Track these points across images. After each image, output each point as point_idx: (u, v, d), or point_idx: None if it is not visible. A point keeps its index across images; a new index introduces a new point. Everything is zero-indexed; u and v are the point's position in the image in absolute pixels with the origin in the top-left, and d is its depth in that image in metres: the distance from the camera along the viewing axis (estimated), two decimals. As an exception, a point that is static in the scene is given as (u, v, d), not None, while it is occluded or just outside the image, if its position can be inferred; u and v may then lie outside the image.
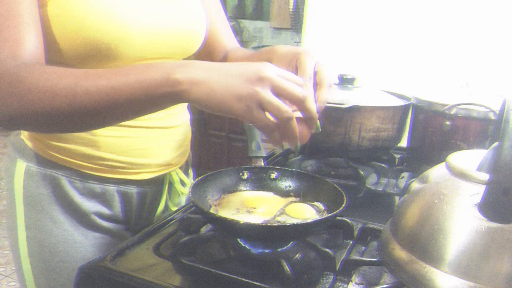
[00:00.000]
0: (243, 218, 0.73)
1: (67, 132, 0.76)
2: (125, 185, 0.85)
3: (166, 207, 0.93)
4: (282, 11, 3.41)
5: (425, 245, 0.57)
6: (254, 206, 0.78)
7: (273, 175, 0.87)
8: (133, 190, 0.87)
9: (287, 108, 0.57)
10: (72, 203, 0.82)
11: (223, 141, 3.47)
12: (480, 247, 0.53)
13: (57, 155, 0.81)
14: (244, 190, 0.84)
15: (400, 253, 0.60)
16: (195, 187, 0.76)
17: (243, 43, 3.88)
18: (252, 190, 0.85)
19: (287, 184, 0.86)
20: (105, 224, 0.85)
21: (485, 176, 0.55)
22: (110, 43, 0.72)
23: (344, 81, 1.15)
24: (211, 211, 0.75)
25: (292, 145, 0.62)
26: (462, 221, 0.55)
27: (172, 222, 0.81)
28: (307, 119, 0.62)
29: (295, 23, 3.03)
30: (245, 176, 0.86)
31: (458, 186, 0.58)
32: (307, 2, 1.60)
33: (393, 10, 1.47)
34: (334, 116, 1.03)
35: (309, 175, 0.85)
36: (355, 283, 0.66)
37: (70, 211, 0.82)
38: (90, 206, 0.83)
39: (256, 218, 0.74)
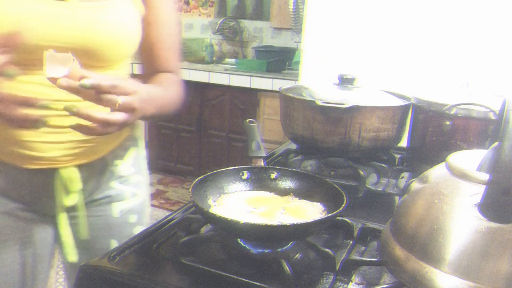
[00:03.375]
0: (243, 218, 0.73)
1: None
2: (15, 171, 0.87)
3: (56, 202, 0.94)
4: (282, 11, 3.41)
5: (425, 245, 0.57)
6: (254, 206, 0.78)
7: (273, 175, 0.87)
8: (24, 177, 0.88)
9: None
10: None
11: (223, 141, 3.48)
12: (480, 247, 0.53)
13: None
14: (244, 190, 0.84)
15: (400, 253, 0.60)
16: (195, 187, 0.76)
17: (243, 43, 3.88)
18: (252, 190, 0.85)
19: (287, 184, 0.86)
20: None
21: (485, 176, 0.55)
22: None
23: (344, 81, 1.15)
24: (211, 211, 0.75)
25: None
26: (462, 221, 0.55)
27: (172, 222, 0.81)
28: None
29: (295, 23, 3.03)
30: (245, 176, 0.86)
31: (458, 186, 0.58)
32: (307, 2, 1.60)
33: (393, 10, 1.47)
34: (334, 116, 1.03)
35: (309, 175, 0.85)
36: (355, 283, 0.66)
37: None
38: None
39: (256, 218, 0.74)
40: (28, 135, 0.84)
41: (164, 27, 0.98)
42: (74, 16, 0.81)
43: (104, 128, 0.72)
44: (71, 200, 0.93)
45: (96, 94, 0.70)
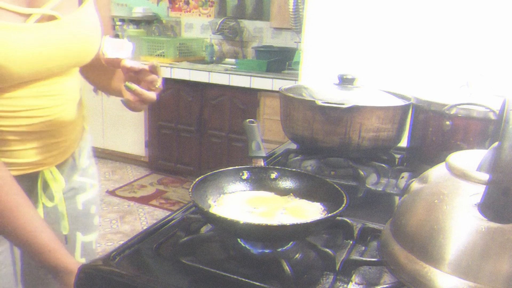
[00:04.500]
0: (243, 218, 0.73)
1: None
2: None
3: (40, 203, 0.93)
4: (282, 11, 3.41)
5: (425, 245, 0.57)
6: (254, 206, 0.78)
7: (273, 175, 0.86)
8: None
9: None
10: None
11: (223, 141, 3.47)
12: (480, 247, 0.53)
13: None
14: (244, 190, 0.84)
15: (400, 253, 0.60)
16: (195, 187, 0.76)
17: (243, 43, 3.88)
18: (252, 190, 0.85)
19: (287, 184, 0.86)
20: None
21: (485, 176, 0.55)
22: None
23: (344, 81, 1.15)
24: (211, 211, 0.75)
25: None
26: (462, 221, 0.55)
27: (172, 222, 0.81)
28: None
29: (295, 23, 3.03)
30: (245, 176, 0.86)
31: (458, 186, 0.58)
32: (307, 2, 1.60)
33: (393, 10, 1.47)
34: (334, 116, 1.03)
35: (309, 175, 0.85)
36: (355, 283, 0.66)
37: None
38: None
39: (256, 218, 0.74)
40: (11, 143, 0.83)
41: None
42: (65, 34, 0.81)
43: (142, 105, 0.83)
44: (54, 199, 0.94)
45: (139, 75, 0.81)
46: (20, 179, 0.86)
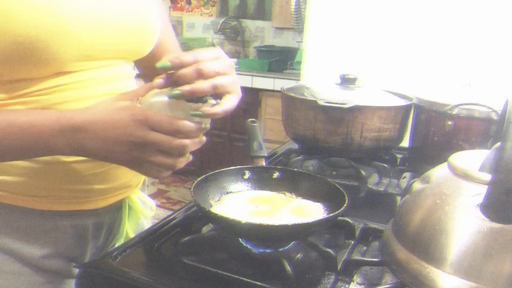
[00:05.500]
0: (245, 217, 0.73)
1: None
2: (79, 217, 0.73)
3: (127, 235, 0.83)
4: (283, 11, 3.41)
5: (426, 245, 0.57)
6: (256, 205, 0.78)
7: (274, 175, 0.86)
8: (88, 221, 0.75)
9: (168, 161, 0.62)
10: (13, 250, 0.68)
11: (224, 140, 3.48)
12: (482, 248, 0.53)
13: None
14: (246, 190, 0.84)
15: (402, 253, 0.60)
16: (197, 187, 0.76)
17: (244, 42, 3.88)
18: (254, 189, 0.85)
19: (288, 184, 0.86)
20: (54, 266, 0.72)
21: (487, 177, 0.55)
22: (47, 40, 0.58)
23: (346, 81, 1.15)
24: (213, 210, 0.75)
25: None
26: (464, 221, 0.55)
27: (173, 221, 0.81)
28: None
29: (297, 22, 3.03)
30: (247, 176, 0.86)
31: (460, 187, 0.58)
32: (308, 1, 1.60)
33: (395, 10, 1.47)
34: (336, 116, 1.03)
35: (310, 175, 0.85)
36: (357, 283, 0.66)
37: (11, 258, 0.68)
38: (35, 249, 0.70)
39: (258, 217, 0.74)
40: (91, 166, 0.68)
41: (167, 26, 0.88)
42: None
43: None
44: (138, 229, 0.82)
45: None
46: (107, 211, 0.75)
